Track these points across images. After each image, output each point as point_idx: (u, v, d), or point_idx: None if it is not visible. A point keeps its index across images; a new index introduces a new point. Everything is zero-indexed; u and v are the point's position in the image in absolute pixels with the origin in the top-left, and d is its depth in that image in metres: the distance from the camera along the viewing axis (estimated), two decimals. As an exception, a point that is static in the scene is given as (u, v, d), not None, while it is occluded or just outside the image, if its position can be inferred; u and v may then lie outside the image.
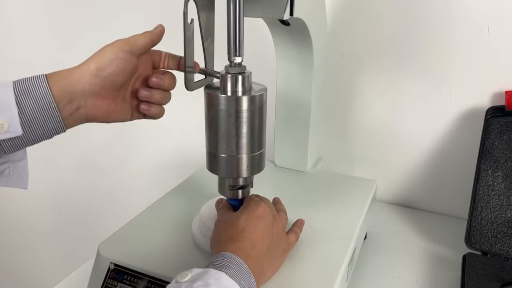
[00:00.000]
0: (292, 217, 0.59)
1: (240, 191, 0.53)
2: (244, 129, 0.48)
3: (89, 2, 1.01)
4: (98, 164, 1.19)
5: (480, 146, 0.69)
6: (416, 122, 0.80)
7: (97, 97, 0.46)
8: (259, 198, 0.53)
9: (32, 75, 0.44)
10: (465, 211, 0.70)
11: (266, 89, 0.50)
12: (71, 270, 0.69)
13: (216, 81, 0.51)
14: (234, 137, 0.48)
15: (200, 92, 0.51)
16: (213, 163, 0.50)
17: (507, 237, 0.66)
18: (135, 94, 0.51)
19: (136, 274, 0.51)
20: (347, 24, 0.79)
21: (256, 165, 0.51)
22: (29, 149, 0.48)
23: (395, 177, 0.85)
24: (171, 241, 0.56)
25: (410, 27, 0.75)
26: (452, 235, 0.75)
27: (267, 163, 0.77)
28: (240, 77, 0.47)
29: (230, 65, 0.48)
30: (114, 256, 0.53)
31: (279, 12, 0.50)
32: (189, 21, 0.49)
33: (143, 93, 0.50)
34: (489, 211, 0.67)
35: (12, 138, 0.42)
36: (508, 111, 0.68)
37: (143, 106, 0.51)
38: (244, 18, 0.48)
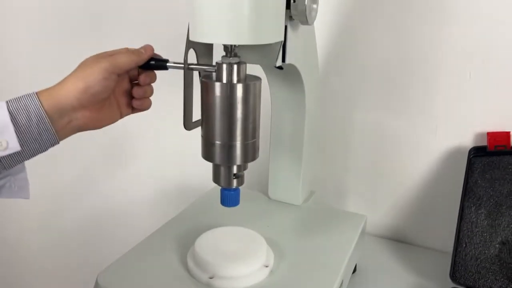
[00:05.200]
0: (282, 249, 0.62)
1: (235, 180, 0.54)
2: (239, 116, 0.50)
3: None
4: (96, 193, 1.22)
5: (464, 184, 0.72)
6: (403, 160, 0.84)
7: (86, 110, 0.50)
8: None
9: (23, 94, 0.47)
10: (451, 246, 0.72)
11: (260, 80, 0.52)
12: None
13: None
14: (229, 125, 0.50)
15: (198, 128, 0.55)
16: (208, 150, 0.52)
17: (490, 273, 0.69)
18: (120, 95, 0.55)
19: (132, 303, 0.53)
20: (338, 66, 0.84)
21: (250, 153, 0.53)
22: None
23: (385, 212, 0.88)
24: (168, 272, 0.58)
25: (398, 70, 0.80)
26: (438, 269, 0.77)
27: (261, 196, 0.80)
28: (235, 66, 0.50)
29: (226, 55, 0.51)
30: (113, 286, 0.55)
31: (272, 60, 0.54)
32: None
33: (138, 91, 0.55)
34: (472, 247, 0.70)
35: (11, 154, 0.46)
36: (490, 151, 0.72)
37: (137, 103, 0.56)
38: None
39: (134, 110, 0.57)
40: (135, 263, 0.60)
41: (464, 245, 0.70)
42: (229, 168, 0.54)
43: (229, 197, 0.56)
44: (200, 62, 0.55)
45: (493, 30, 0.72)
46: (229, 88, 0.50)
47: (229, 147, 0.51)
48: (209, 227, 0.63)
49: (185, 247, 0.63)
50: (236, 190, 0.56)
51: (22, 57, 1.17)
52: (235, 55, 0.51)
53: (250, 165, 0.55)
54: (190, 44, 0.52)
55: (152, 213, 1.13)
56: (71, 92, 0.48)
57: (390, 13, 0.78)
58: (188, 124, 0.56)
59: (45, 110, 0.46)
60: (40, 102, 0.46)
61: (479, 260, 0.69)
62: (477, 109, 0.76)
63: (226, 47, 0.51)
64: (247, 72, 0.53)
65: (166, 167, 1.09)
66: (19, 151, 0.46)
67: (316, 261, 0.62)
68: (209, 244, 0.59)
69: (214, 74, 0.52)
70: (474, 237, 0.70)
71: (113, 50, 0.53)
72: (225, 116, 0.50)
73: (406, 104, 0.81)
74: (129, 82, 0.55)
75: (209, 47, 0.57)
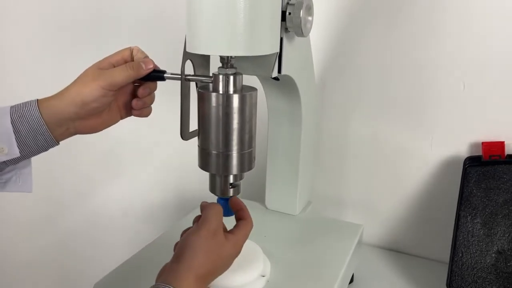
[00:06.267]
0: (279, 259, 0.62)
1: (231, 189, 0.55)
2: (235, 126, 0.51)
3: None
4: (93, 201, 1.21)
5: (459, 193, 0.72)
6: (400, 170, 0.84)
7: (83, 120, 0.52)
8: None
9: (25, 101, 0.49)
10: (447, 256, 0.73)
11: (256, 90, 0.53)
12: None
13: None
14: (225, 135, 0.51)
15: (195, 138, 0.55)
16: (204, 160, 0.53)
17: (487, 282, 0.69)
18: (121, 102, 0.56)
19: (128, 314, 0.53)
20: (335, 77, 0.85)
21: (247, 163, 0.53)
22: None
23: (382, 222, 0.89)
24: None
25: (394, 81, 0.81)
26: (435, 279, 0.77)
27: (258, 206, 0.80)
28: (231, 77, 0.51)
29: (222, 66, 0.51)
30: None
31: (268, 71, 0.55)
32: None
33: (138, 103, 0.56)
34: (469, 257, 0.70)
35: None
36: (484, 161, 0.73)
37: (136, 112, 0.57)
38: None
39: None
40: (131, 274, 0.60)
41: (460, 255, 0.71)
42: (226, 178, 0.54)
43: (226, 207, 0.56)
44: (197, 73, 0.56)
45: (486, 41, 0.73)
46: (226, 99, 0.50)
47: (225, 157, 0.52)
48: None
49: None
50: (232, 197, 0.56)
51: (22, 61, 1.18)
52: (232, 66, 0.52)
53: (246, 175, 0.56)
54: (187, 56, 0.53)
55: (149, 222, 1.13)
56: (69, 106, 0.50)
57: (385, 25, 0.80)
58: (185, 134, 0.56)
59: (44, 121, 0.49)
60: (40, 113, 0.49)
61: (475, 269, 0.70)
62: (472, 119, 0.76)
63: (222, 58, 0.52)
64: (244, 83, 0.53)
65: (163, 177, 1.10)
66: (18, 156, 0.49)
67: (313, 271, 0.62)
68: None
69: (211, 85, 0.53)
70: (471, 246, 0.70)
71: (115, 54, 0.54)
72: (221, 126, 0.51)
73: (402, 114, 0.82)
74: (132, 87, 0.56)
75: (205, 58, 0.58)
